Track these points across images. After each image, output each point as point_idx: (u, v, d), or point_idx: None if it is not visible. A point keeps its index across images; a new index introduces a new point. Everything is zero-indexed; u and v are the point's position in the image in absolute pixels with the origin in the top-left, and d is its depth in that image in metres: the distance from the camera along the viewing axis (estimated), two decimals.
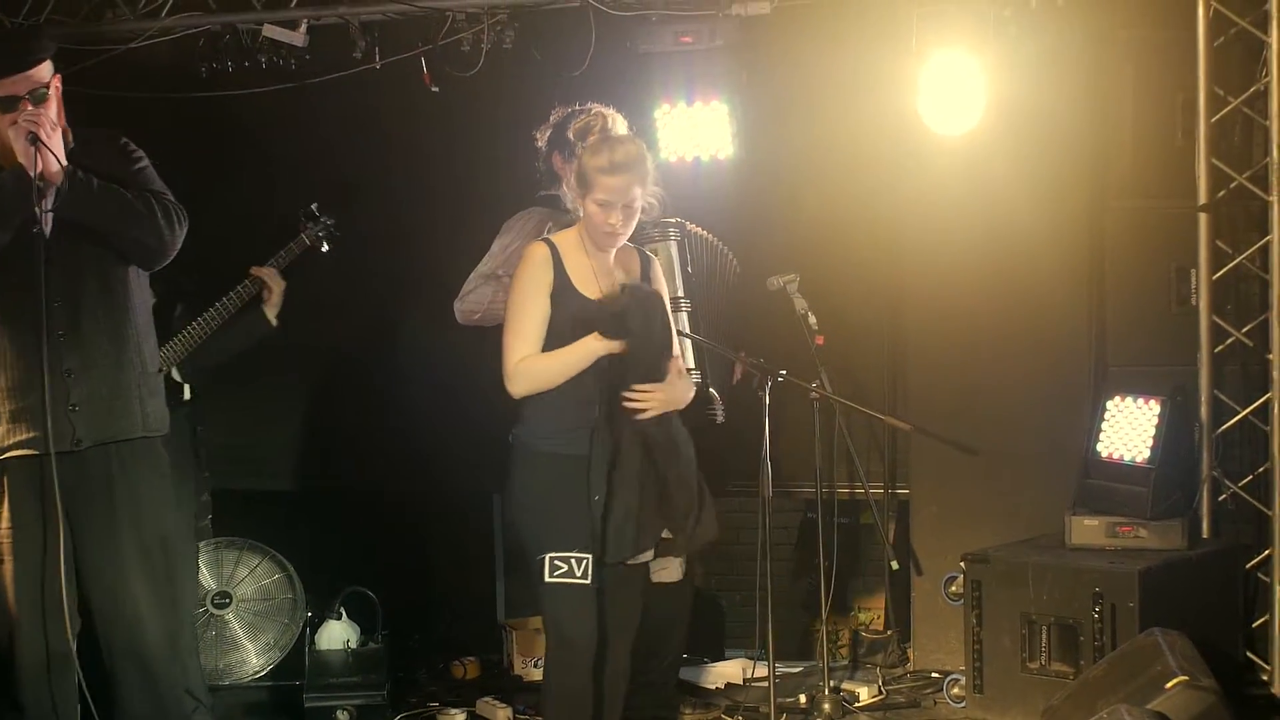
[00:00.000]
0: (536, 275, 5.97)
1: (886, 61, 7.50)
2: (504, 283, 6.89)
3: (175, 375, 7.28)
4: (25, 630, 5.79)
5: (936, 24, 7.15)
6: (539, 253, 5.99)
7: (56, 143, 5.63)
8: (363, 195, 8.45)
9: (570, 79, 7.62)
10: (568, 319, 5.93)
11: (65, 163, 5.63)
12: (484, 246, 7.18)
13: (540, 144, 7.15)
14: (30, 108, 5.62)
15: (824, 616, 7.57)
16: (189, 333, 7.32)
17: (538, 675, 8.25)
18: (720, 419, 7.13)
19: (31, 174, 5.55)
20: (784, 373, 6.74)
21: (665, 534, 6.00)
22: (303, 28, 7.87)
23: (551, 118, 7.11)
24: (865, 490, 8.07)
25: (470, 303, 7.10)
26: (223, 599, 8.33)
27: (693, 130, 7.82)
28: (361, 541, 8.96)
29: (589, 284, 5.97)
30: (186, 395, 7.44)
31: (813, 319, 7.29)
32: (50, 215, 5.67)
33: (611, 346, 5.83)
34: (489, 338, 7.11)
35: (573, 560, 5.89)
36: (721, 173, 7.90)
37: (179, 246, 5.93)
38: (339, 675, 8.04)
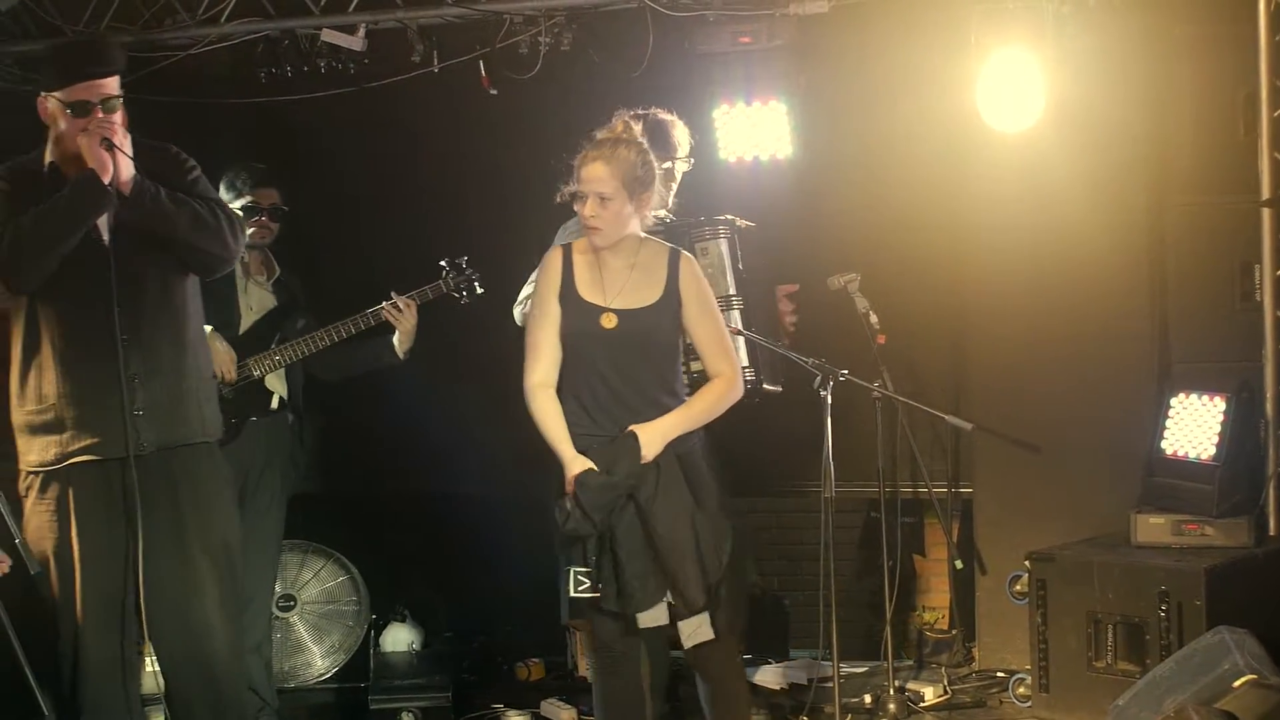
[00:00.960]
0: (546, 279, 6.03)
1: (945, 59, 7.47)
2: None
3: (265, 382, 7.37)
4: (89, 636, 5.83)
5: (995, 21, 7.12)
6: (552, 257, 6.05)
7: (128, 150, 5.69)
8: (420, 198, 8.48)
9: (628, 80, 7.62)
10: (567, 322, 5.96)
11: (132, 170, 5.69)
12: (542, 250, 7.17)
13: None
14: (101, 115, 5.68)
15: (888, 616, 7.55)
16: (301, 345, 7.38)
17: None
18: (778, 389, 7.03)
19: (105, 180, 5.60)
20: (845, 372, 6.72)
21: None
22: (361, 32, 7.89)
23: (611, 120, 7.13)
24: (928, 489, 8.05)
25: (526, 308, 7.09)
26: (287, 602, 8.37)
27: (751, 130, 7.81)
28: (425, 544, 8.98)
29: (592, 287, 5.97)
30: (274, 404, 7.50)
31: (874, 318, 7.28)
32: (110, 222, 5.75)
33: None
34: None
35: (591, 575, 5.96)
36: (780, 172, 7.89)
37: (239, 255, 5.99)
38: (404, 677, 8.08)
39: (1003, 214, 7.92)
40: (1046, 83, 7.25)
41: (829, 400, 6.67)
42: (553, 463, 5.99)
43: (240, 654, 6.28)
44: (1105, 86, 7.58)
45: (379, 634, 8.37)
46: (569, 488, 5.88)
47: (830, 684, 6.89)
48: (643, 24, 7.58)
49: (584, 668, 8.44)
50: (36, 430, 5.88)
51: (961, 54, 7.31)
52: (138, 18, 8.08)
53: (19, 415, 5.93)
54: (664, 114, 6.98)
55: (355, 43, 7.88)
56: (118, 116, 5.75)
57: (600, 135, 6.10)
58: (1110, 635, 7.04)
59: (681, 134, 6.93)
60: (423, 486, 9.02)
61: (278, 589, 8.28)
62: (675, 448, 5.91)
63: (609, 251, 5.97)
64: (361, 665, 8.30)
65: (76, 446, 5.81)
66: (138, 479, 5.78)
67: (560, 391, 6.02)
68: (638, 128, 6.12)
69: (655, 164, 6.05)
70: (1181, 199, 7.80)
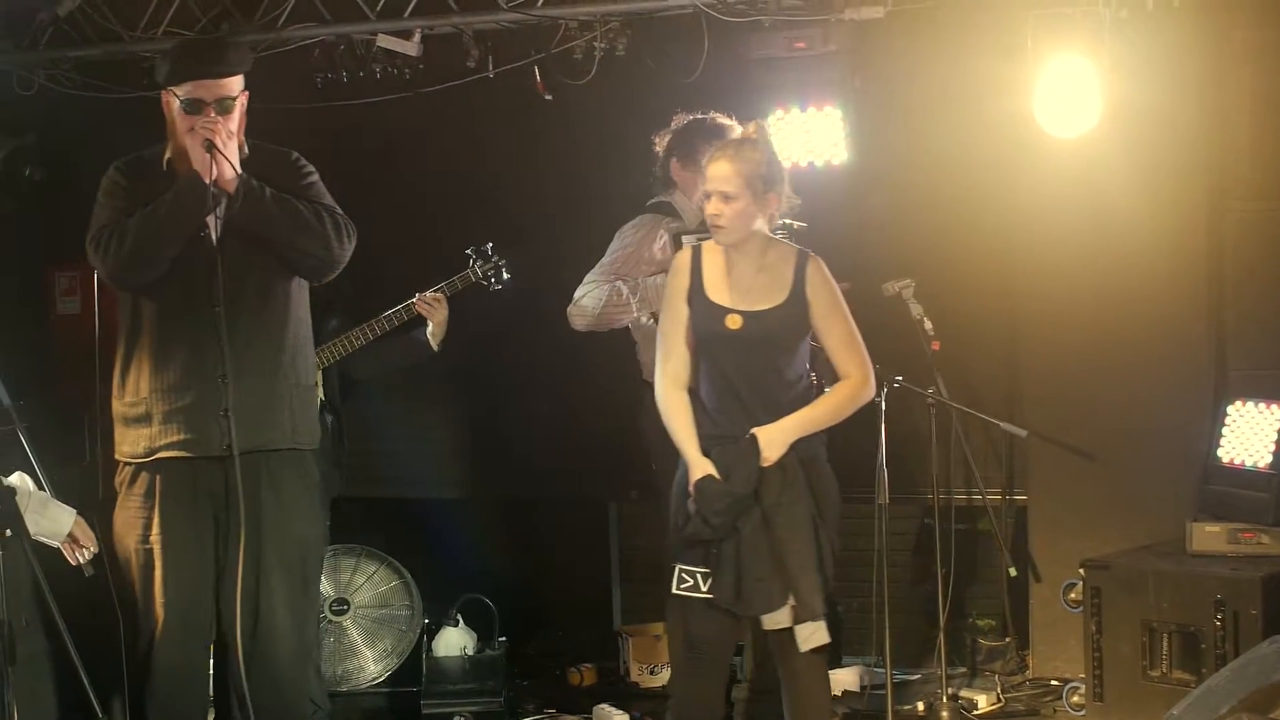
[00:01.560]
0: (675, 282, 6.06)
1: (1001, 64, 7.43)
2: (616, 289, 6.91)
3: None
4: (167, 636, 5.86)
5: (1052, 27, 7.08)
6: (681, 258, 6.09)
7: (231, 151, 5.72)
8: (476, 202, 8.50)
9: (683, 85, 7.63)
10: (694, 323, 5.99)
11: (239, 171, 5.71)
12: (597, 252, 7.18)
13: (658, 148, 7.17)
14: (212, 115, 5.71)
15: (942, 623, 7.52)
16: (336, 345, 7.41)
17: (655, 682, 8.29)
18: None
19: (207, 180, 5.63)
20: (899, 379, 6.72)
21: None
22: (416, 37, 7.91)
23: (672, 123, 7.14)
24: (983, 496, 8.01)
25: (581, 308, 7.08)
26: (341, 606, 8.38)
27: (806, 135, 7.79)
28: (478, 548, 9.00)
29: (719, 288, 5.99)
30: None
31: (928, 324, 7.25)
32: (219, 222, 5.76)
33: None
34: (604, 345, 7.13)
35: (699, 575, 5.93)
36: (835, 177, 7.87)
37: (346, 260, 6.00)
38: (456, 682, 8.08)
39: (1058, 220, 7.89)
40: (1103, 88, 7.20)
41: (883, 406, 6.67)
42: (610, 467, 6.00)
43: (306, 660, 6.29)
44: (1163, 92, 7.54)
45: (431, 638, 8.37)
46: (692, 490, 5.91)
47: (883, 691, 6.88)
48: (698, 29, 7.59)
49: (636, 673, 8.45)
50: (130, 422, 5.92)
51: (1017, 59, 7.27)
52: (194, 23, 8.14)
53: (117, 406, 5.97)
54: (722, 118, 7.00)
55: (411, 48, 7.90)
56: (232, 119, 5.77)
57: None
58: (1165, 644, 7.00)
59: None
60: (477, 491, 9.03)
61: (331, 593, 8.30)
62: (798, 451, 5.92)
63: (736, 252, 6.00)
64: (414, 670, 8.30)
65: (164, 442, 5.84)
66: (225, 480, 5.81)
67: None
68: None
69: (783, 165, 6.11)
70: (1239, 205, 7.75)
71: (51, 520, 5.48)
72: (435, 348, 7.62)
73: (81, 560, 5.58)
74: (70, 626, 5.44)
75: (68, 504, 5.58)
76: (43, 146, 8.42)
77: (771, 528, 5.86)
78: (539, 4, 7.69)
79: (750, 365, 5.95)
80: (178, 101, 5.75)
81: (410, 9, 7.85)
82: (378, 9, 7.90)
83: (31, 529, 5.34)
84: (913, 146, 8.08)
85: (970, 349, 8.02)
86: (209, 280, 5.73)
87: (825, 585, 5.91)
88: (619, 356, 7.28)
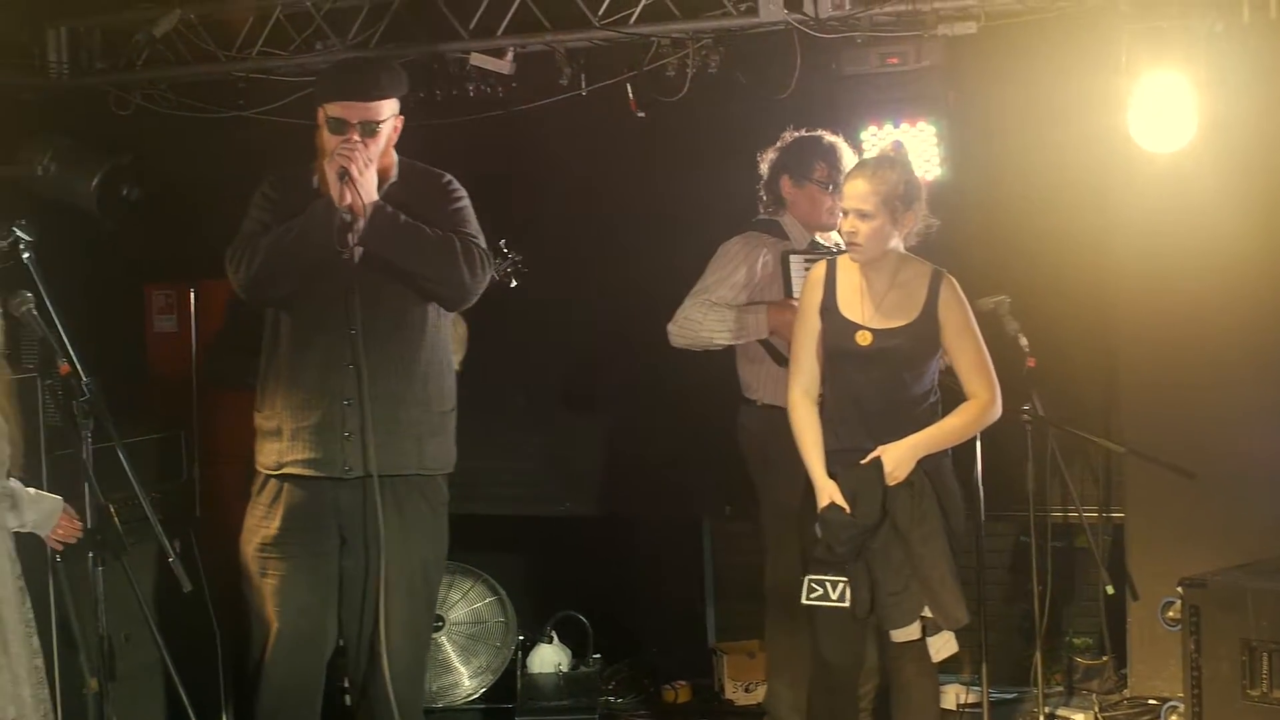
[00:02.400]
0: (809, 296, 6.19)
1: (1095, 80, 7.38)
2: (719, 314, 6.90)
3: None
4: (279, 644, 5.92)
5: (1147, 42, 7.02)
6: (816, 272, 6.20)
7: (367, 179, 5.75)
8: (571, 221, 8.52)
9: (775, 102, 7.62)
10: (825, 337, 6.11)
11: (373, 198, 5.75)
12: (694, 270, 7.17)
13: (764, 166, 7.16)
14: (356, 138, 5.73)
15: (1039, 642, 7.47)
16: None
17: (749, 700, 8.28)
18: None
19: (340, 204, 5.69)
20: None
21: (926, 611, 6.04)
22: (509, 55, 7.93)
23: (780, 140, 7.13)
24: (1079, 514, 7.95)
25: (681, 331, 7.06)
26: (436, 622, 8.40)
27: None
28: (572, 565, 9.01)
29: (851, 304, 6.08)
30: None
31: (1024, 341, 7.21)
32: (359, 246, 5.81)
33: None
34: (702, 361, 7.12)
35: (828, 584, 6.00)
36: (929, 193, 7.82)
37: (480, 290, 6.03)
38: (551, 699, 8.11)
39: (1154, 235, 7.82)
40: (1198, 102, 7.14)
41: None
42: (704, 484, 6.03)
43: (420, 681, 6.32)
44: (1259, 105, 7.45)
45: (526, 655, 8.40)
46: (818, 515, 6.03)
47: (980, 709, 6.83)
48: (790, 46, 7.57)
49: (730, 690, 8.43)
50: (265, 435, 6.01)
51: (1112, 74, 7.22)
52: (289, 43, 8.20)
53: (257, 416, 6.06)
54: (830, 135, 7.02)
55: (504, 66, 7.92)
56: (376, 143, 5.80)
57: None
58: (1265, 663, 6.91)
59: (849, 157, 6.93)
60: (572, 508, 9.04)
61: None
62: (924, 464, 5.99)
63: (871, 269, 6.09)
64: (509, 686, 8.33)
65: (291, 458, 5.92)
66: (352, 500, 5.88)
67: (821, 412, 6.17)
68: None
69: (920, 185, 6.21)
70: None
71: (43, 513, 5.49)
72: (457, 366, 7.57)
73: (58, 549, 5.59)
74: (169, 641, 5.50)
75: (168, 523, 5.62)
76: (139, 166, 8.48)
77: (907, 543, 5.96)
78: (632, 21, 7.69)
79: (877, 382, 6.04)
80: (324, 118, 5.82)
81: (503, 27, 7.87)
82: (471, 27, 7.93)
83: (29, 522, 5.38)
84: (1007, 162, 8.03)
85: (1066, 365, 7.95)
86: (345, 303, 5.79)
87: (965, 591, 6.03)
88: (717, 372, 7.27)
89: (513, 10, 7.83)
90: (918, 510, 5.96)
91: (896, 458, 5.94)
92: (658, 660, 8.96)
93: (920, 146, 7.70)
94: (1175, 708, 7.36)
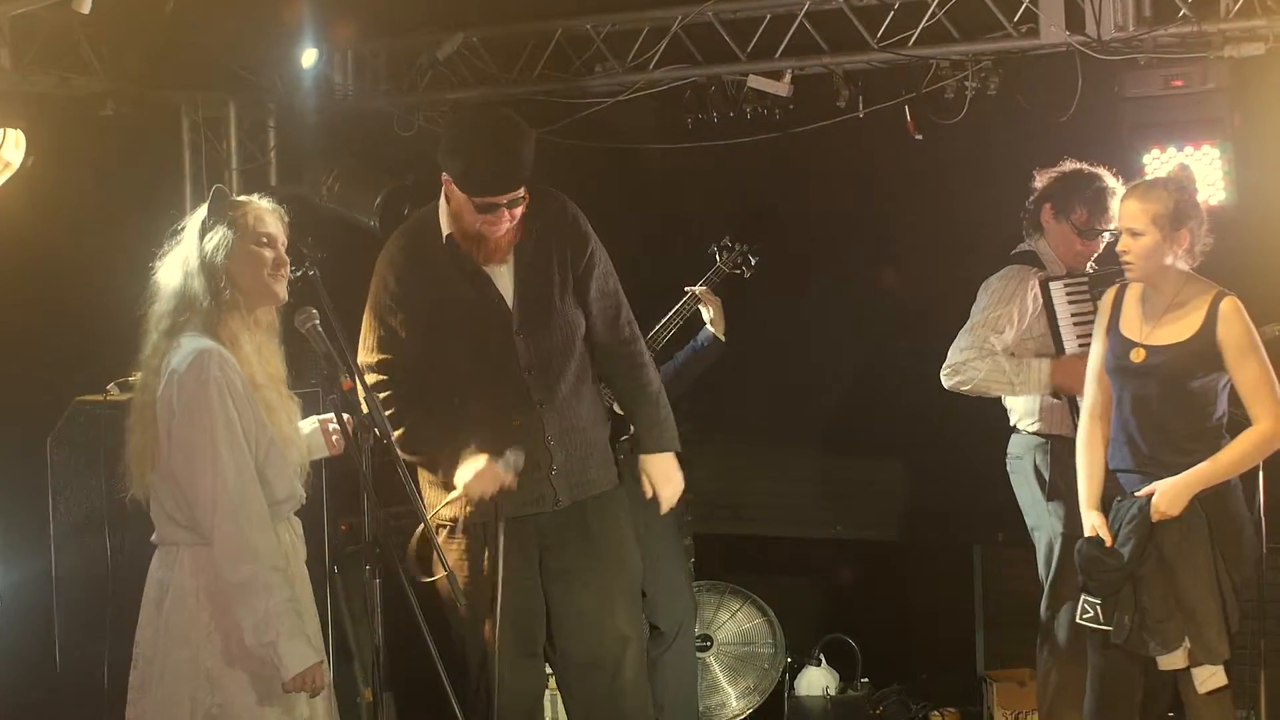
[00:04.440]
0: (1098, 320, 6.27)
1: None
2: (998, 365, 6.80)
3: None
4: (508, 677, 5.94)
5: None
6: (1107, 295, 6.26)
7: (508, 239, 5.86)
8: (846, 243, 8.51)
9: (1055, 124, 7.54)
10: (1110, 354, 6.11)
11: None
12: (969, 294, 7.09)
13: (1037, 184, 7.06)
14: (506, 214, 5.77)
15: None
16: None
17: None
18: None
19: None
20: None
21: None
22: (787, 78, 7.95)
23: (1060, 165, 7.03)
24: None
25: (958, 380, 6.93)
26: (704, 642, 8.42)
27: None
28: (841, 588, 8.98)
29: (1131, 322, 6.09)
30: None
31: None
32: (514, 285, 5.91)
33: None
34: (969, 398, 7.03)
35: (1099, 606, 5.99)
36: (1214, 218, 7.65)
37: None
38: None
39: None
40: None
41: None
42: (973, 510, 5.99)
43: (648, 688, 6.35)
44: None
45: (794, 677, 8.38)
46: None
47: None
48: (1071, 68, 7.49)
49: (1000, 719, 8.33)
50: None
51: None
52: (569, 65, 8.29)
53: (431, 474, 6.04)
54: (1109, 177, 6.91)
55: (781, 88, 7.94)
56: (519, 210, 5.81)
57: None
58: None
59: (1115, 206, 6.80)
60: (840, 530, 9.01)
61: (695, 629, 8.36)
62: (1202, 498, 5.92)
63: (1152, 288, 6.09)
64: (776, 708, 8.33)
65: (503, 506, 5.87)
66: (556, 527, 5.97)
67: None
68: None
69: (1198, 205, 6.15)
70: None
71: (316, 444, 5.59)
72: (721, 338, 7.59)
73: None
74: (440, 654, 5.57)
75: None
76: (421, 187, 8.62)
77: (1173, 575, 5.89)
78: (910, 43, 7.66)
79: (1151, 402, 5.99)
80: (468, 199, 5.77)
81: (781, 49, 7.90)
82: (749, 50, 7.96)
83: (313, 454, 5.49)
84: None
85: None
86: (513, 349, 5.89)
87: (1229, 625, 5.91)
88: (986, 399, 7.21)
89: (791, 32, 7.85)
90: (1185, 544, 5.89)
91: (1170, 496, 5.87)
92: (926, 686, 8.89)
93: (1204, 170, 7.55)
94: None
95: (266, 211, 5.23)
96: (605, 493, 6.10)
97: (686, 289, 7.63)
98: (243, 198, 5.28)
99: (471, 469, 5.70)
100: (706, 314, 7.64)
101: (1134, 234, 5.97)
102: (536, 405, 5.89)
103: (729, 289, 7.77)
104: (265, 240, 5.17)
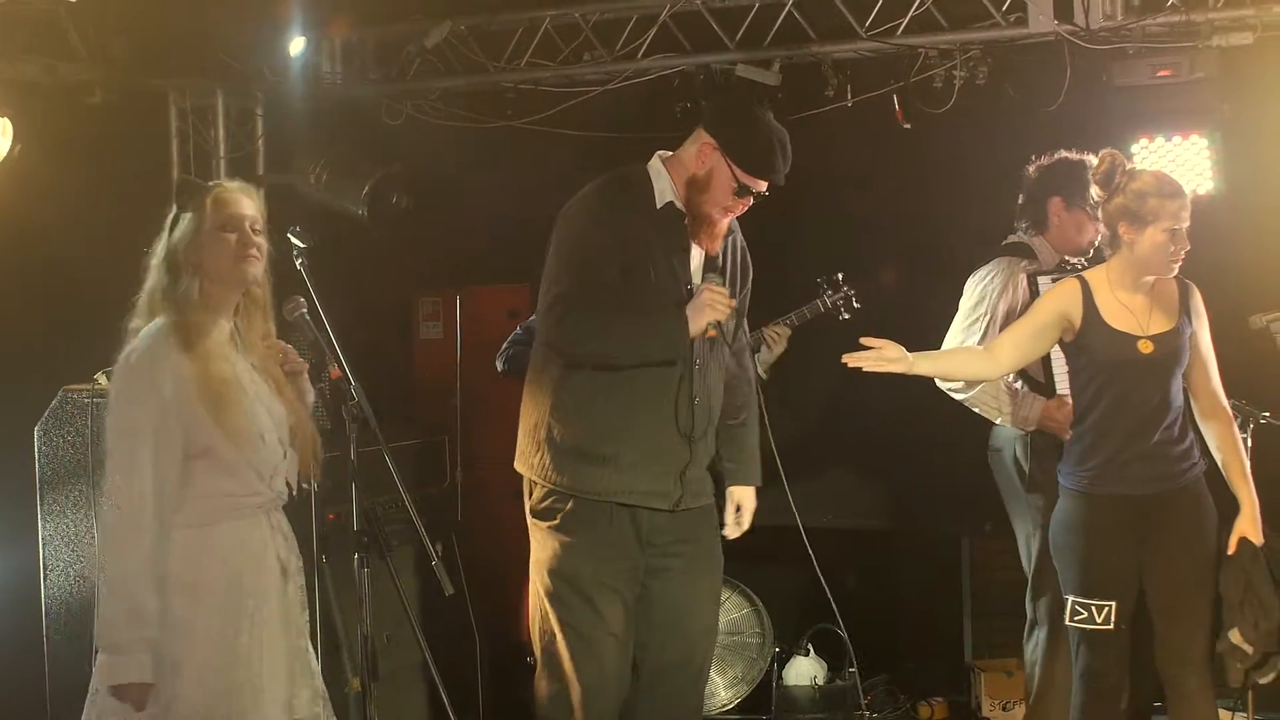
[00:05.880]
0: (1051, 304, 6.12)
1: None
2: (994, 388, 6.80)
3: None
4: (604, 681, 5.85)
5: None
6: (1069, 286, 6.08)
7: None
8: (832, 231, 8.50)
9: (1044, 114, 7.54)
10: (1103, 351, 5.98)
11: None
12: (956, 283, 7.08)
13: (1033, 174, 7.01)
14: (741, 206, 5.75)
15: None
16: None
17: (1008, 718, 8.16)
18: None
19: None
20: (1266, 415, 6.54)
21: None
22: (775, 67, 7.94)
23: (1051, 160, 6.98)
24: None
25: (952, 391, 6.95)
26: None
27: (1171, 165, 7.60)
28: (830, 578, 8.97)
29: (1121, 319, 5.98)
30: None
31: None
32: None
33: None
34: None
35: (1093, 608, 5.99)
36: (1201, 208, 7.65)
37: None
38: (806, 711, 8.11)
39: None
40: None
41: (1249, 443, 6.48)
42: (962, 501, 5.98)
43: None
44: None
45: (782, 667, 8.38)
46: None
47: None
48: (1060, 57, 7.49)
49: (988, 708, 8.34)
50: (586, 459, 5.76)
51: None
52: (557, 54, 8.29)
53: (564, 433, 5.80)
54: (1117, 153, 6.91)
55: (770, 77, 7.94)
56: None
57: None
58: None
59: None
60: (829, 520, 9.00)
61: None
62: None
63: (1136, 283, 6.03)
64: (764, 697, 8.33)
65: (627, 488, 5.75)
66: (672, 525, 5.87)
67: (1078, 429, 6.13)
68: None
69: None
70: None
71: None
72: (764, 375, 7.58)
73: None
74: (430, 643, 5.57)
75: (430, 526, 5.66)
76: (409, 175, 8.61)
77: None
78: (899, 32, 7.66)
79: (1153, 391, 5.96)
80: (731, 175, 5.67)
81: (769, 38, 7.89)
82: (737, 39, 7.96)
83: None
84: None
85: None
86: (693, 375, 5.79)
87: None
88: None
89: (779, 21, 7.84)
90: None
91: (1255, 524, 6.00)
92: (914, 676, 8.89)
93: (1192, 160, 7.57)
94: None
95: (230, 192, 5.05)
96: (710, 504, 6.05)
97: (763, 326, 7.64)
98: (210, 183, 5.14)
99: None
100: (764, 352, 7.60)
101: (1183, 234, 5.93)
102: (692, 400, 5.78)
103: None
104: (229, 223, 4.98)
